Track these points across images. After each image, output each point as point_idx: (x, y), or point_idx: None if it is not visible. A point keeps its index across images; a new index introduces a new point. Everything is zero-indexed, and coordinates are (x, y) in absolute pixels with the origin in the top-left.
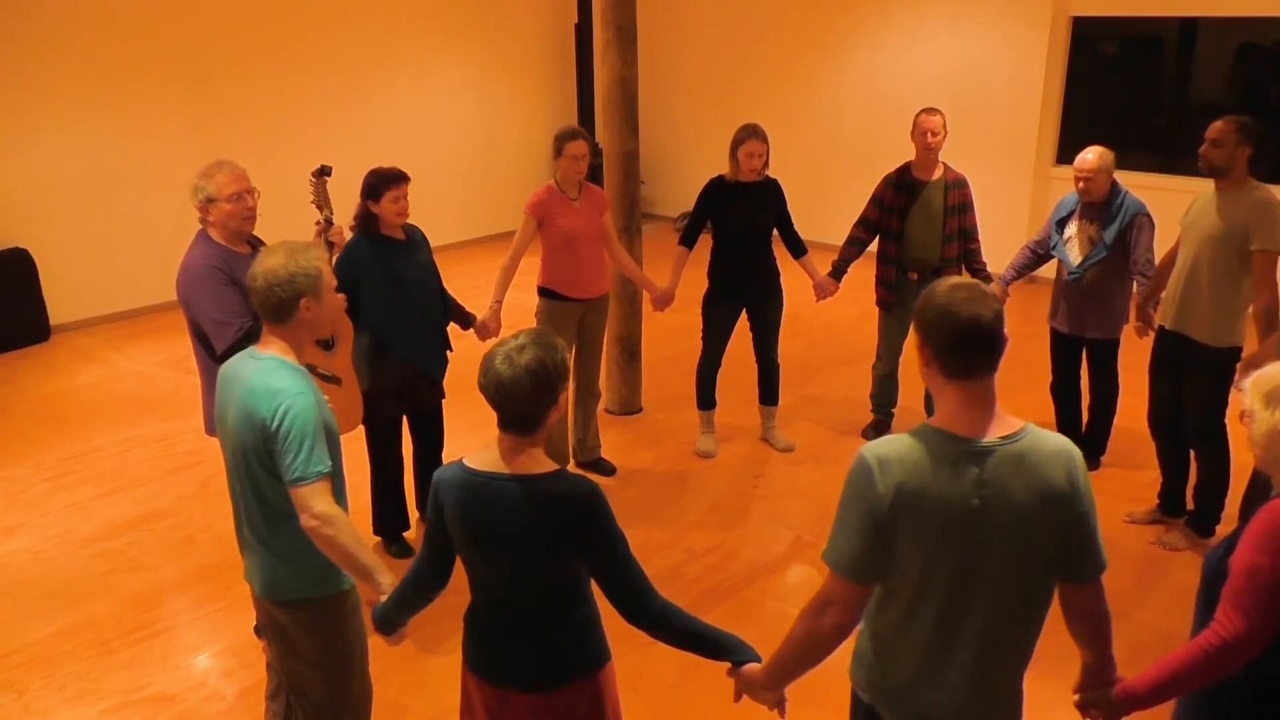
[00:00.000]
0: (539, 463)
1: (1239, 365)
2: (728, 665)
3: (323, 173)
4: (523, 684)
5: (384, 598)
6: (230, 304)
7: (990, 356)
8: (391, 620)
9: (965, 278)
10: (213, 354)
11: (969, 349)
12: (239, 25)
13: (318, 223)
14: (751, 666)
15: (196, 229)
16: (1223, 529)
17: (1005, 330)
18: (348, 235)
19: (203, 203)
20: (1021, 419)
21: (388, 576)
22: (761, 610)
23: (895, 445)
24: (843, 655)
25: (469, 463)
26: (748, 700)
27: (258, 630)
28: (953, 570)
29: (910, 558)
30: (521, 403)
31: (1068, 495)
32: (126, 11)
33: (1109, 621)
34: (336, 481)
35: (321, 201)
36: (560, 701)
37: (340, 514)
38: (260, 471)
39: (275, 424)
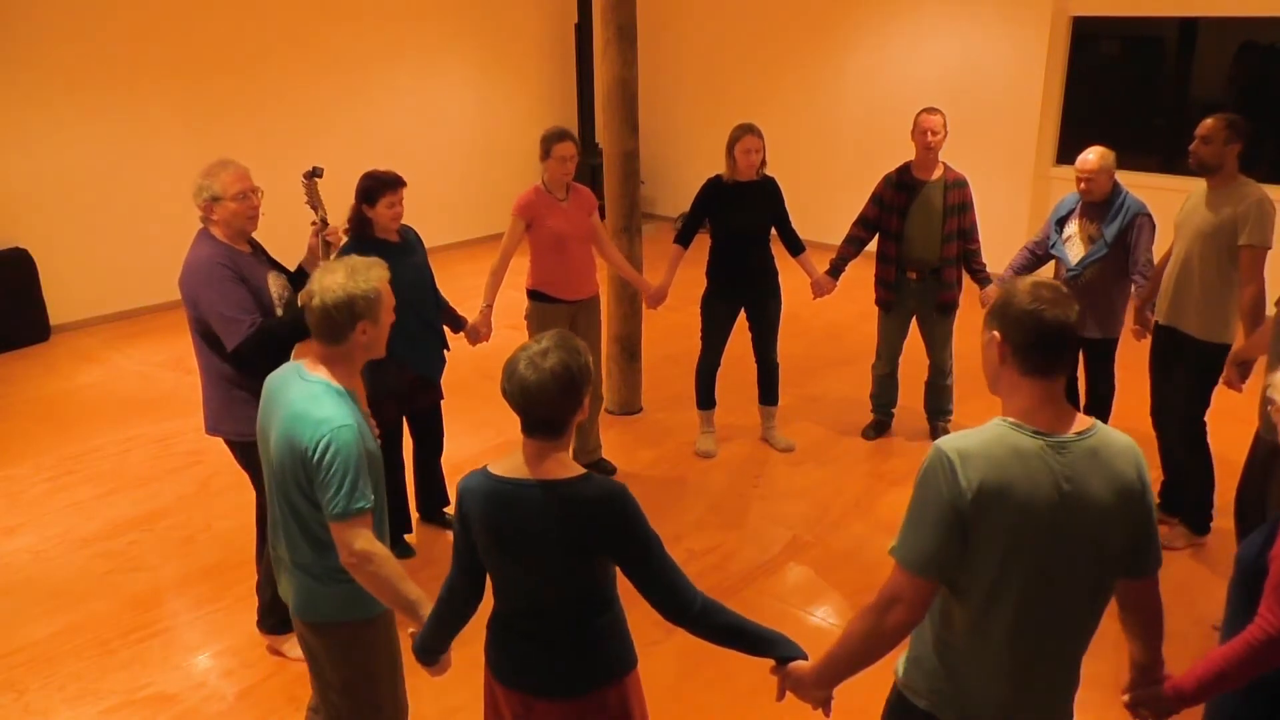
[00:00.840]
0: (566, 467)
1: (1228, 359)
2: (746, 660)
3: (314, 174)
4: (550, 691)
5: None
6: (239, 300)
7: (1070, 356)
8: (432, 648)
9: (1039, 279)
10: (221, 353)
11: (1053, 348)
12: (239, 26)
13: (313, 223)
14: (799, 664)
15: (197, 229)
16: (1218, 524)
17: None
18: (343, 236)
19: (207, 201)
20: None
21: (431, 608)
22: (761, 610)
23: (974, 439)
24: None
25: (493, 469)
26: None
27: (260, 625)
28: (1031, 566)
29: (988, 554)
30: (547, 407)
31: (1139, 490)
32: (126, 12)
33: (1162, 616)
34: (379, 509)
35: (315, 202)
36: (588, 707)
37: (380, 551)
38: (300, 498)
39: (316, 456)
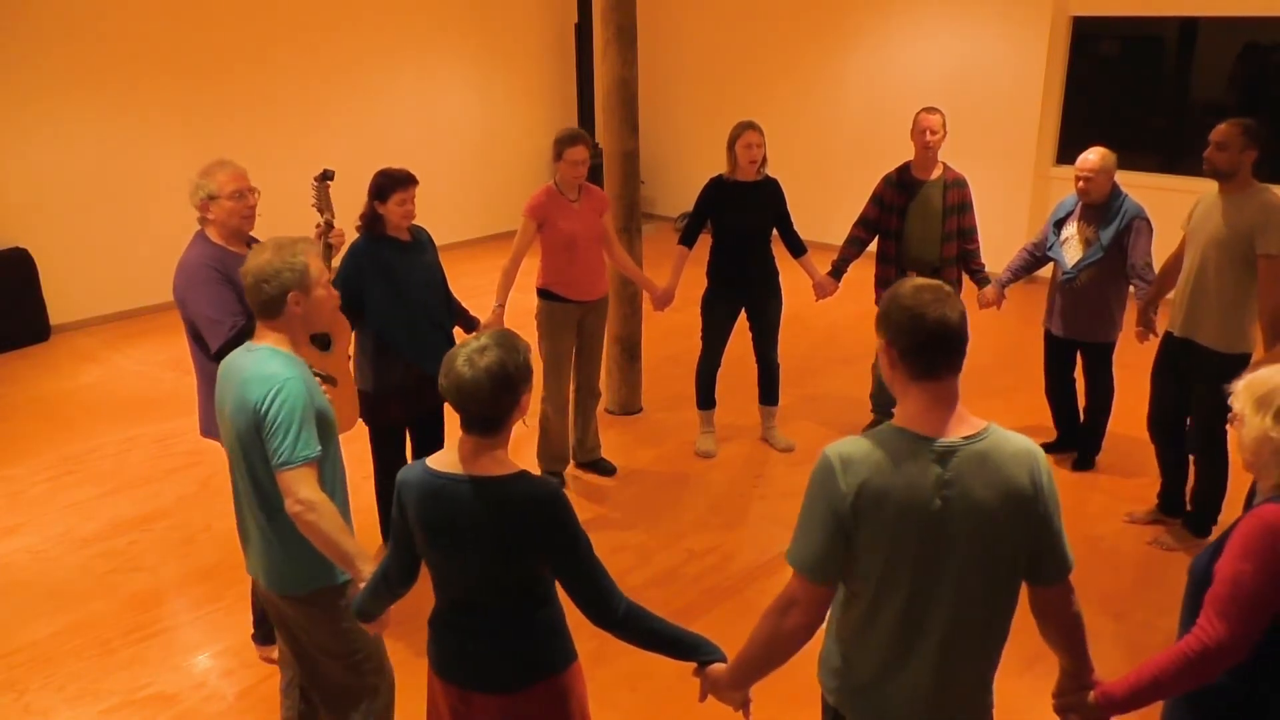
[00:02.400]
0: (501, 464)
1: (1248, 370)
2: (694, 666)
3: (325, 177)
4: (487, 685)
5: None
6: (225, 302)
7: (956, 357)
8: (367, 610)
9: (926, 280)
10: (208, 353)
11: (936, 350)
12: (239, 25)
13: (318, 225)
14: (717, 666)
15: (195, 230)
16: (1220, 530)
17: (968, 330)
18: (348, 238)
19: (203, 200)
20: (1008, 418)
21: (369, 564)
22: (760, 610)
23: (859, 444)
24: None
25: (431, 464)
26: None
27: (255, 638)
28: (914, 570)
29: (872, 557)
30: (482, 405)
31: (1030, 496)
32: (126, 12)
33: (1080, 623)
34: (333, 470)
35: (323, 205)
36: (525, 703)
37: (324, 500)
38: (257, 460)
39: (265, 407)
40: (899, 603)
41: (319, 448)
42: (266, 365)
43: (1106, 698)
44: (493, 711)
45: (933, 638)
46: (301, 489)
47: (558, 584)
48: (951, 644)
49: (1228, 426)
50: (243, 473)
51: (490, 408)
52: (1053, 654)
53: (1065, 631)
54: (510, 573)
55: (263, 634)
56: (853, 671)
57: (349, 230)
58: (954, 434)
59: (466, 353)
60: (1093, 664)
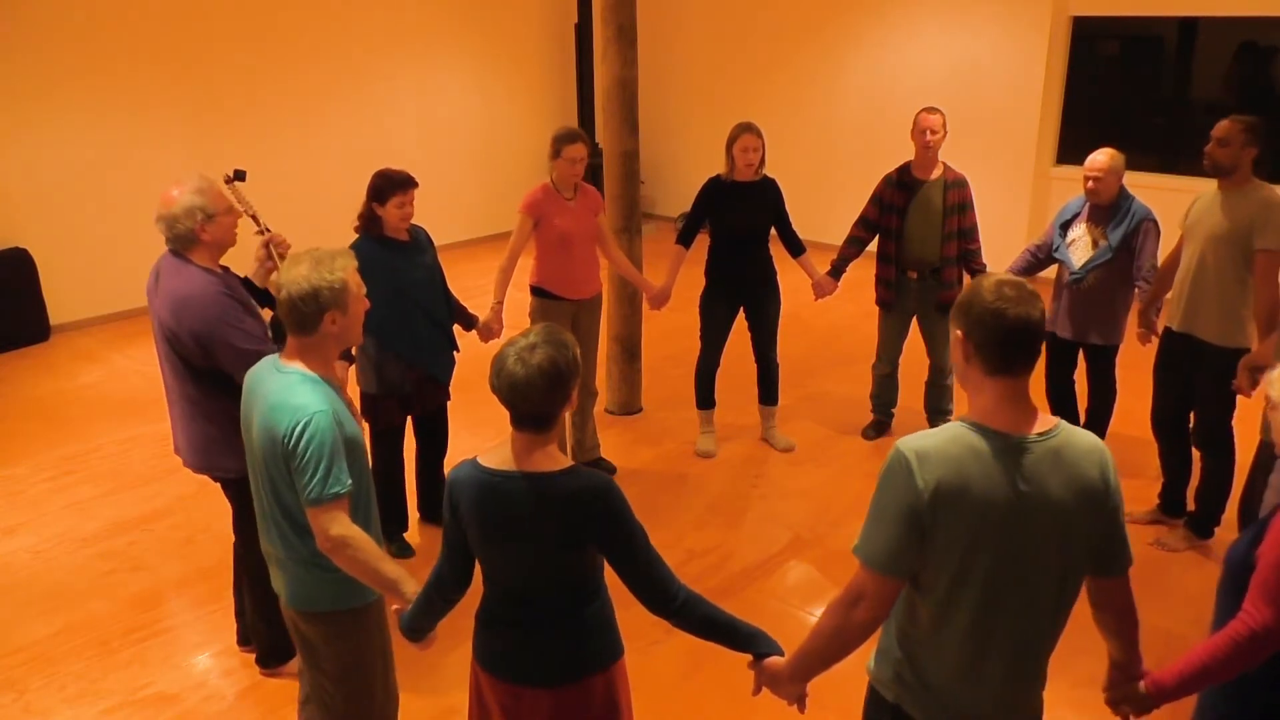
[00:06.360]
0: (553, 460)
1: (1240, 364)
2: (747, 658)
3: (237, 177)
4: (538, 680)
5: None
6: (251, 332)
7: (1033, 355)
8: (418, 627)
9: (1009, 276)
10: (222, 388)
11: (1015, 347)
12: (238, 26)
13: (260, 236)
14: (774, 659)
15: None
16: (1221, 531)
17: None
18: (345, 239)
19: (201, 222)
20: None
21: (412, 585)
22: (761, 610)
23: (934, 439)
24: (856, 656)
25: (483, 461)
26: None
27: (262, 662)
28: (990, 564)
29: (947, 553)
30: (536, 402)
31: (1102, 491)
32: (126, 11)
33: (1135, 615)
34: (361, 494)
35: (245, 206)
36: (575, 696)
37: (355, 534)
38: (283, 487)
39: (292, 442)
40: (972, 599)
41: (349, 482)
42: (295, 394)
43: (1157, 686)
44: (545, 706)
45: (1007, 633)
46: (332, 527)
47: (607, 575)
48: (1023, 639)
49: (1266, 414)
50: (269, 496)
51: (543, 405)
52: (1063, 653)
53: (1122, 622)
54: (565, 565)
55: (272, 662)
56: (922, 669)
57: (348, 230)
58: (1028, 430)
59: (516, 351)
60: (1142, 655)
